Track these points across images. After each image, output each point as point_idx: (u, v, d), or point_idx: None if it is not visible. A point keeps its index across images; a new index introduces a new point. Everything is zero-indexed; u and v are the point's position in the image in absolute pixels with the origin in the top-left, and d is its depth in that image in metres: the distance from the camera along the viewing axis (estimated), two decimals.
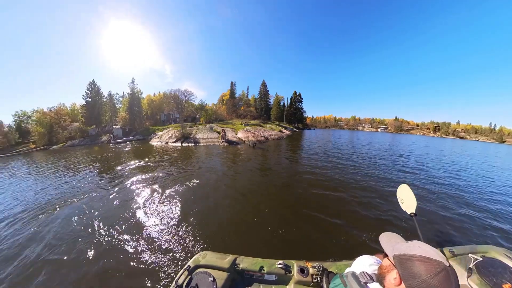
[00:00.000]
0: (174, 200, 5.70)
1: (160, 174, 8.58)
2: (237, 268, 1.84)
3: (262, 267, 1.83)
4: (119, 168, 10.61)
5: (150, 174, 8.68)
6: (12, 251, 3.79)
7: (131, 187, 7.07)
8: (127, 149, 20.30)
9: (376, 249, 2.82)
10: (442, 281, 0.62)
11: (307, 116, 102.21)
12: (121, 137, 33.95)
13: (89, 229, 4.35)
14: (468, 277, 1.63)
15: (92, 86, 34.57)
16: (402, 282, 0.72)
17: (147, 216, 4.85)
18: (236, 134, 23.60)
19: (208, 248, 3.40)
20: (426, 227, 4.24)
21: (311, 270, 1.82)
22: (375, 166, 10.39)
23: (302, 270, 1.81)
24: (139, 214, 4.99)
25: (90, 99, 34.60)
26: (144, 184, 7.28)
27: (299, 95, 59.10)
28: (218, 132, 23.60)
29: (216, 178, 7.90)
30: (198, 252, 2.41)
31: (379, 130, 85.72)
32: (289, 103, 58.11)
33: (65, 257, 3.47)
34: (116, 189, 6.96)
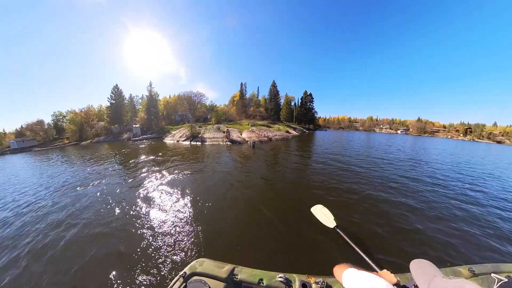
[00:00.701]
0: (169, 193, 7.41)
1: (164, 167, 10.50)
2: (234, 278, 1.76)
3: (261, 279, 1.75)
4: (134, 160, 12.89)
5: (157, 168, 10.64)
6: (48, 210, 5.77)
7: (140, 176, 9.03)
8: (143, 146, 23.17)
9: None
10: None
11: (319, 117, 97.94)
12: (140, 135, 37.69)
13: (102, 206, 6.21)
14: None
15: (116, 89, 39.03)
16: None
17: (147, 207, 5.45)
18: (241, 134, 25.25)
19: (204, 255, 3.23)
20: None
21: (313, 286, 1.72)
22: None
23: (304, 286, 1.71)
24: (140, 203, 5.83)
25: (114, 101, 39.05)
26: (151, 175, 9.19)
27: (310, 95, 58.35)
28: (224, 132, 25.45)
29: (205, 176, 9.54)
30: (195, 258, 2.27)
31: (399, 132, 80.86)
32: (299, 103, 58.32)
33: (84, 221, 5.31)
34: (129, 178, 8.95)
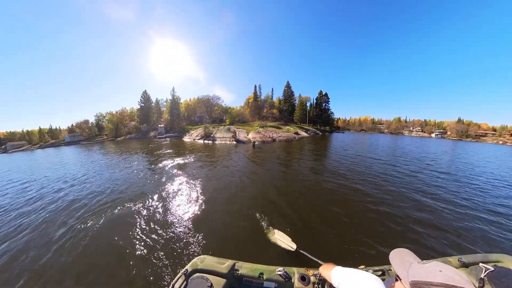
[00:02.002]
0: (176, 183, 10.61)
1: (178, 159, 13.95)
2: (235, 274, 1.84)
3: (261, 273, 1.82)
4: (157, 152, 16.95)
5: (172, 159, 14.17)
6: (87, 186, 9.38)
7: (159, 165, 12.55)
8: (166, 142, 28.09)
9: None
10: None
11: (338, 118, 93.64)
12: (164, 133, 43.55)
13: (126, 186, 9.64)
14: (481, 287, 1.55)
15: (145, 94, 45.98)
16: None
17: (158, 200, 6.03)
18: (247, 135, 28.16)
19: (206, 252, 3.41)
20: None
21: (312, 279, 1.80)
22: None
23: (303, 278, 1.80)
24: (152, 194, 6.92)
25: (143, 104, 45.97)
26: (167, 165, 12.66)
27: (325, 95, 57.02)
28: (232, 133, 28.71)
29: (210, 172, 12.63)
30: (197, 255, 2.33)
31: (433, 135, 72.52)
32: (314, 104, 57.94)
33: (110, 198, 8.69)
34: (151, 165, 12.53)
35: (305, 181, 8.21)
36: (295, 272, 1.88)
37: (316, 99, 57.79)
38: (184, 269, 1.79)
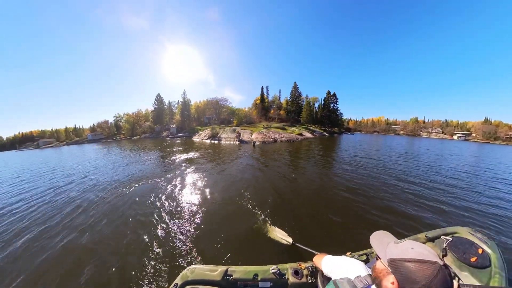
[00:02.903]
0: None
1: (186, 156, 16.15)
2: (229, 279, 1.83)
3: (256, 274, 1.85)
4: (169, 150, 19.45)
5: (180, 154, 16.42)
6: (107, 176, 11.68)
7: (168, 161, 14.78)
8: (177, 142, 31.05)
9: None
10: (440, 283, 0.66)
11: (349, 119, 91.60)
12: (175, 133, 46.89)
13: (136, 180, 11.84)
14: (443, 256, 1.85)
15: (158, 97, 50.11)
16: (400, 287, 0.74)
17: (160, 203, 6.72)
18: (251, 136, 29.96)
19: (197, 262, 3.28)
20: None
21: (305, 272, 1.89)
22: None
23: (296, 273, 1.87)
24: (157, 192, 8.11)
25: (156, 106, 50.01)
26: (177, 161, 14.87)
27: (334, 95, 56.45)
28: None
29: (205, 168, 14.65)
30: (186, 266, 2.21)
31: (455, 137, 66.10)
32: (322, 105, 57.47)
33: (123, 191, 10.88)
34: (164, 161, 14.81)
35: (297, 178, 8.71)
36: (288, 268, 1.94)
37: (324, 100, 57.25)
38: (173, 284, 1.76)
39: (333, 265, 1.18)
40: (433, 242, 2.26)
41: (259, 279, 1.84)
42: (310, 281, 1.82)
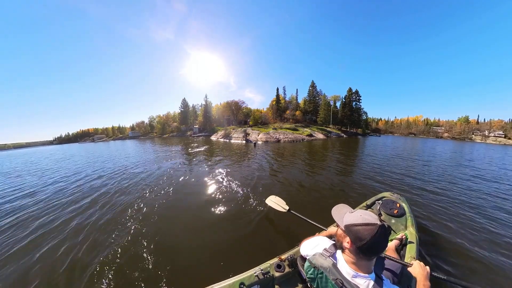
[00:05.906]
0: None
1: (204, 151, 21.89)
2: None
3: (242, 283, 1.83)
4: (192, 145, 25.74)
5: (199, 148, 22.27)
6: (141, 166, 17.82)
7: (189, 156, 20.66)
8: (199, 139, 38.33)
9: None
10: (380, 237, 0.96)
11: (379, 119, 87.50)
12: (197, 133, 54.86)
13: (161, 172, 17.61)
14: (380, 216, 2.79)
15: (184, 101, 59.70)
16: (354, 245, 1.00)
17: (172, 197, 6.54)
18: (258, 136, 34.57)
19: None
20: None
21: (286, 263, 2.01)
22: None
23: (278, 266, 1.97)
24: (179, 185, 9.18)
25: (182, 109, 59.27)
26: (197, 156, 20.70)
27: (356, 92, 53.24)
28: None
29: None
30: None
31: None
32: (342, 103, 54.68)
33: (143, 180, 16.54)
34: (185, 156, 20.80)
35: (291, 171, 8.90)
36: (270, 265, 2.00)
37: (345, 98, 54.38)
38: None
39: (307, 247, 1.45)
40: (371, 208, 3.12)
41: (246, 285, 1.81)
42: (292, 269, 1.96)
